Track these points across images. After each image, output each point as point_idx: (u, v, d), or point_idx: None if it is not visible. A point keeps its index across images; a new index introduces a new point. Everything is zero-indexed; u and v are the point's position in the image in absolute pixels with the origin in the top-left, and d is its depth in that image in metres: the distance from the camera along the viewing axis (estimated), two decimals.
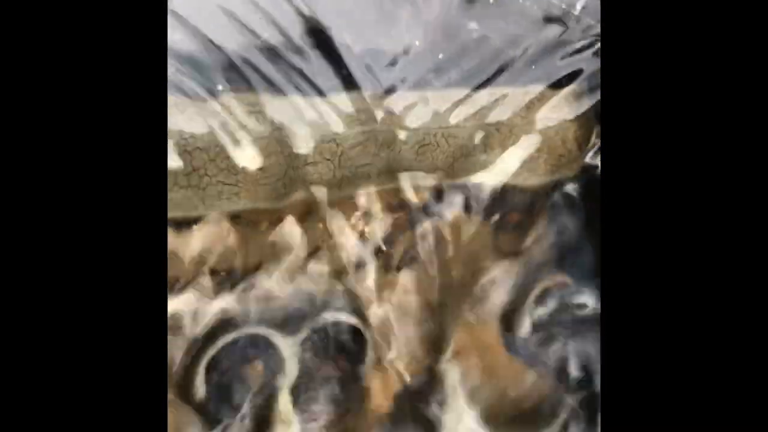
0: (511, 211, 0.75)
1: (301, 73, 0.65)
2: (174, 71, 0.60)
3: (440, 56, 0.67)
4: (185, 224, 0.62)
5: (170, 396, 0.64)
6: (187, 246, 0.63)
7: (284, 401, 0.67)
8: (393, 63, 0.66)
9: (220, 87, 0.62)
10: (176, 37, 0.59)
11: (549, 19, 0.71)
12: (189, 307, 0.64)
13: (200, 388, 0.65)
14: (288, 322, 0.68)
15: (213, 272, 0.65)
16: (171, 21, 0.59)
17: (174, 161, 0.60)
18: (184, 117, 0.61)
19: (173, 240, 0.62)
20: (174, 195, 0.60)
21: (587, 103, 0.74)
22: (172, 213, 0.60)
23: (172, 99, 0.60)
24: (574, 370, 0.77)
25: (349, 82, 0.66)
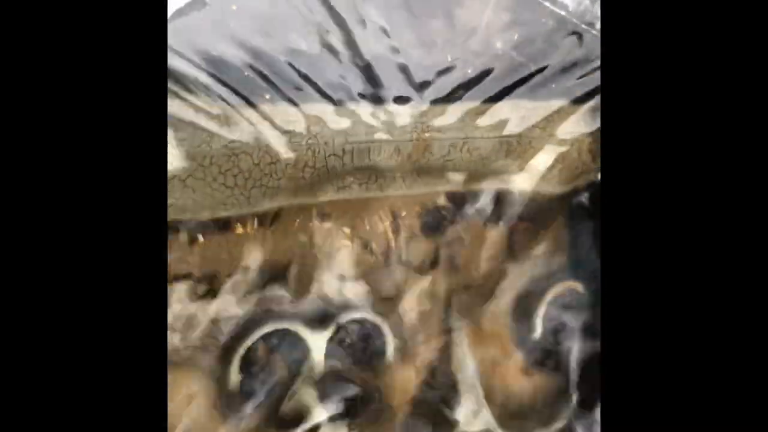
0: (527, 218, 0.79)
1: (333, 81, 0.67)
2: (214, 81, 0.62)
3: (469, 71, 0.70)
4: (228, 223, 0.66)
5: (204, 380, 0.68)
6: (229, 245, 0.67)
7: (309, 392, 0.72)
8: (425, 76, 0.70)
9: (265, 96, 0.65)
10: (221, 49, 0.61)
11: (570, 38, 0.75)
12: (227, 302, 0.68)
13: (234, 375, 0.69)
14: (316, 319, 0.72)
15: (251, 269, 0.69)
16: (214, 33, 0.61)
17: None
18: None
19: (216, 239, 0.66)
20: (219, 195, 0.63)
21: None
22: (219, 213, 0.63)
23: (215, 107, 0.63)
24: (579, 373, 0.81)
25: (380, 94, 0.69)
